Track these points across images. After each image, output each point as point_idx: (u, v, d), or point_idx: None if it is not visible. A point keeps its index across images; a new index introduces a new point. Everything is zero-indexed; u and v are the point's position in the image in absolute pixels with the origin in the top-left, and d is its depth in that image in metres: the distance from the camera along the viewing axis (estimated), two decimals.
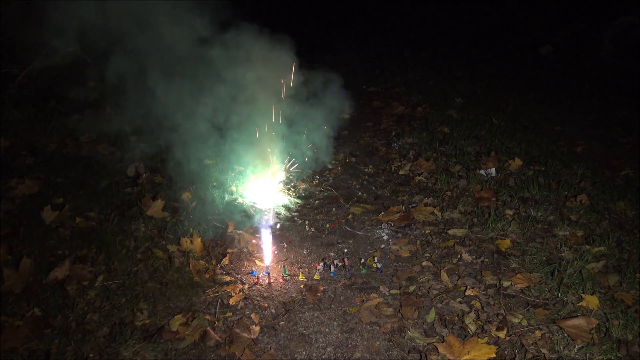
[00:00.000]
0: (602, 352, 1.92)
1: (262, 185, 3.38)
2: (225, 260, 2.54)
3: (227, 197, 3.14)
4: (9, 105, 4.39)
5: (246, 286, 2.38)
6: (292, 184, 3.51)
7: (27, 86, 4.72)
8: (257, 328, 2.08)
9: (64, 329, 2.02)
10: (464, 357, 1.92)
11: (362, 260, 2.59)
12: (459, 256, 2.59)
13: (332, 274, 2.48)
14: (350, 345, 2.01)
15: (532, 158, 3.74)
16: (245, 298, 2.30)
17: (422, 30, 9.91)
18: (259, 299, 2.30)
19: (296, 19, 11.52)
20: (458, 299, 2.27)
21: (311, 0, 12.88)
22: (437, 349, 1.96)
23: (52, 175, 3.40)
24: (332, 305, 2.25)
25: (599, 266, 2.44)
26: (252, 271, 2.48)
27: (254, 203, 3.13)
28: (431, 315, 2.16)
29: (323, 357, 1.96)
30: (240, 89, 3.11)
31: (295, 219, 3.05)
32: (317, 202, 3.26)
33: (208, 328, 2.06)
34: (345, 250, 2.71)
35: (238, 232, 2.73)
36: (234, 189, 3.23)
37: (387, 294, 2.33)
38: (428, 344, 2.01)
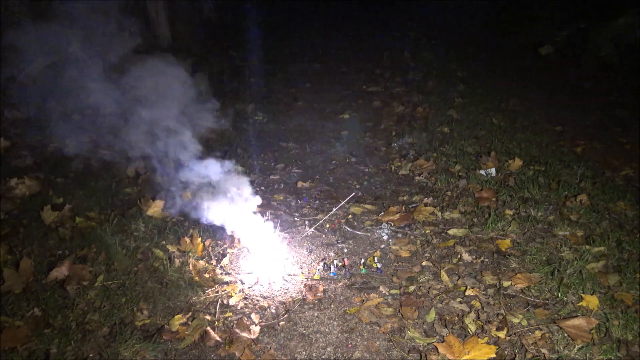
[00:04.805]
0: (602, 352, 1.92)
1: (262, 185, 3.39)
2: (225, 260, 2.54)
3: (227, 197, 3.13)
4: (9, 105, 4.39)
5: (246, 286, 2.38)
6: (293, 184, 3.52)
7: (27, 86, 4.72)
8: (257, 328, 2.08)
9: (64, 329, 2.02)
10: (464, 357, 1.92)
11: (362, 260, 2.59)
12: (459, 256, 2.59)
13: (332, 274, 2.48)
14: (350, 345, 2.01)
15: (532, 158, 3.74)
16: (245, 298, 2.30)
17: (422, 30, 9.91)
18: (259, 299, 2.30)
19: (297, 20, 11.53)
20: (458, 299, 2.27)
21: (312, 1, 12.89)
22: (437, 349, 1.96)
23: (52, 175, 3.40)
24: (332, 305, 2.25)
25: (599, 266, 2.44)
26: (252, 271, 2.48)
27: (254, 203, 3.13)
28: (431, 315, 2.16)
29: (323, 357, 1.96)
30: None
31: (296, 219, 3.05)
32: (317, 202, 3.26)
33: (208, 328, 2.06)
34: (345, 250, 2.71)
35: (238, 232, 2.73)
36: (234, 189, 3.22)
37: (387, 294, 2.33)
38: (428, 344, 2.01)
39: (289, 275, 2.47)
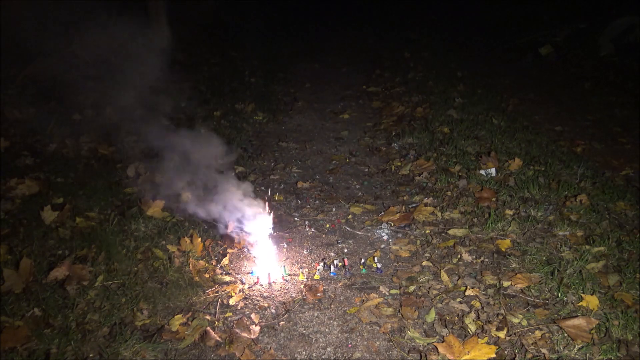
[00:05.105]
0: (602, 352, 1.92)
1: (262, 185, 3.38)
2: (225, 260, 2.54)
3: (227, 197, 3.13)
4: (9, 105, 4.39)
5: (246, 286, 2.38)
6: (293, 184, 3.52)
7: (27, 86, 4.72)
8: (257, 328, 2.08)
9: (64, 329, 2.02)
10: (464, 357, 1.92)
11: (362, 260, 2.59)
12: (459, 256, 2.59)
13: (332, 274, 2.48)
14: (350, 345, 2.01)
15: (532, 158, 3.74)
16: (245, 298, 2.30)
17: (422, 30, 9.91)
18: (259, 299, 2.30)
19: (298, 20, 11.54)
20: (458, 299, 2.27)
21: (312, 2, 12.90)
22: (437, 349, 1.96)
23: (52, 175, 3.40)
24: (332, 305, 2.25)
25: (599, 266, 2.44)
26: (252, 271, 2.48)
27: (254, 203, 3.12)
28: (431, 315, 2.16)
29: (323, 357, 1.96)
30: None
31: (296, 219, 3.05)
32: (317, 202, 3.26)
33: (208, 328, 2.06)
34: (345, 250, 2.71)
35: (238, 232, 2.73)
36: (233, 189, 3.22)
37: (387, 294, 2.33)
38: (428, 344, 2.01)
39: (289, 275, 2.47)
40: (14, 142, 3.89)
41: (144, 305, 2.19)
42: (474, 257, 2.59)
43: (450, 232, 2.82)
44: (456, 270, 2.49)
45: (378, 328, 2.10)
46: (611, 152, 4.05)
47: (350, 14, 12.63)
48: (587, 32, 7.53)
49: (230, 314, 2.19)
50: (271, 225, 2.72)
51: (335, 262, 2.55)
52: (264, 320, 2.16)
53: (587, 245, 2.60)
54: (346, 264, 2.53)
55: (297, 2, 12.41)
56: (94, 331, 2.02)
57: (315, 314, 2.19)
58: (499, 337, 2.03)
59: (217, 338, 2.02)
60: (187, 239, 2.62)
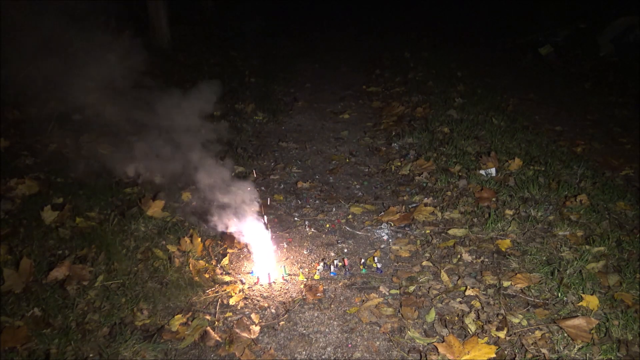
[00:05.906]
0: (602, 352, 1.92)
1: (262, 185, 3.38)
2: (225, 260, 2.54)
3: (227, 197, 3.13)
4: (9, 105, 4.39)
5: (246, 286, 2.38)
6: (293, 184, 3.52)
7: (27, 86, 4.71)
8: (257, 328, 2.08)
9: (64, 329, 2.02)
10: (464, 357, 1.92)
11: (362, 260, 2.59)
12: (459, 256, 2.59)
13: (332, 274, 2.48)
14: (350, 345, 2.01)
15: (532, 158, 3.74)
16: (245, 298, 2.30)
17: (422, 30, 9.92)
18: (259, 299, 2.30)
19: (298, 20, 11.53)
20: (458, 299, 2.27)
21: (313, 2, 12.90)
22: (437, 349, 1.96)
23: (52, 175, 3.40)
24: (332, 305, 2.25)
25: (599, 266, 2.44)
26: (252, 271, 2.48)
27: (255, 203, 3.13)
28: (431, 315, 2.16)
29: (323, 357, 1.96)
30: None
31: (296, 219, 3.05)
32: (317, 202, 3.26)
33: (208, 328, 2.06)
34: (345, 250, 2.71)
35: (238, 232, 2.73)
36: (233, 189, 3.22)
37: (387, 294, 2.33)
38: (428, 344, 2.01)
39: (289, 275, 2.47)
40: (14, 142, 3.89)
41: (144, 305, 2.19)
42: (474, 257, 2.59)
43: (450, 232, 2.82)
44: (456, 270, 2.49)
45: (378, 328, 2.10)
46: (611, 152, 4.05)
47: (350, 14, 12.63)
48: (587, 32, 7.54)
49: (230, 314, 2.19)
50: (270, 226, 2.72)
51: (335, 262, 2.55)
52: (264, 320, 2.16)
53: (587, 245, 2.60)
54: (346, 264, 2.53)
55: (298, 2, 12.41)
56: (94, 331, 2.02)
57: (315, 314, 2.19)
58: (499, 337, 2.03)
59: (217, 338, 2.02)
60: (187, 239, 2.62)
